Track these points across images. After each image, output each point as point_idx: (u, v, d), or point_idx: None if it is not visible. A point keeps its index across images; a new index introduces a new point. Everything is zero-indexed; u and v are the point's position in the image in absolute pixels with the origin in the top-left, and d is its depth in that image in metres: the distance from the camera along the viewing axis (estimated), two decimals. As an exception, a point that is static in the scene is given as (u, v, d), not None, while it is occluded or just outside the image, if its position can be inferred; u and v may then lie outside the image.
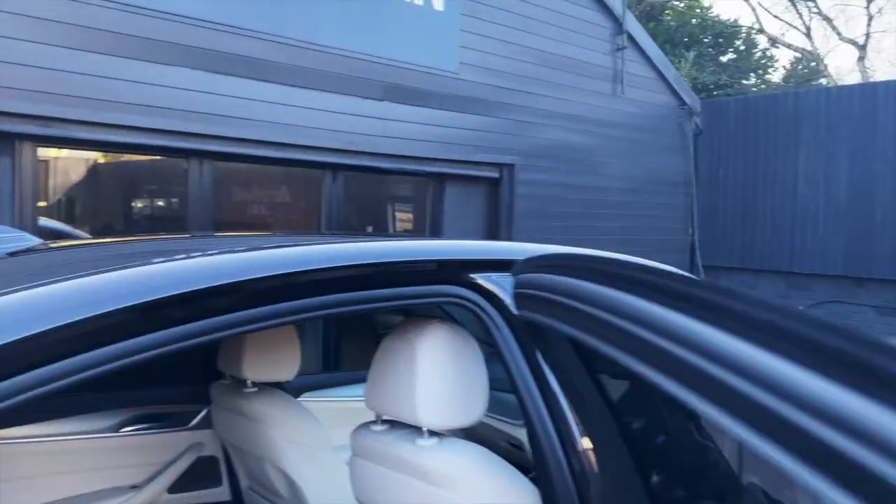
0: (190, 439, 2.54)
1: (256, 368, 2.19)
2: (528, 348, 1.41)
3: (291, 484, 2.15)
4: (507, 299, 1.43)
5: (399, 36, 5.74)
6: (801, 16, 12.07)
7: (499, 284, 1.44)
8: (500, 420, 3.01)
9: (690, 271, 9.07)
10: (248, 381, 2.22)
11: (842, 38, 12.00)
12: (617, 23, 7.69)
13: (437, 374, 1.46)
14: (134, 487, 2.42)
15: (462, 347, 1.50)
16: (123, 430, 2.44)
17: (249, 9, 4.90)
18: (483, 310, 1.42)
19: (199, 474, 2.55)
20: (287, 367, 2.24)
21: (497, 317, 1.42)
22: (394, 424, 1.62)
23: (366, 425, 1.65)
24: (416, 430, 1.54)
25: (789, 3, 12.10)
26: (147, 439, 2.47)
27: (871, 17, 12.36)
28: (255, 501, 2.45)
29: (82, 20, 4.22)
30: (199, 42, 4.67)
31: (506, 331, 1.42)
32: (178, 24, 4.57)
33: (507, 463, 1.47)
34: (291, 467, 2.11)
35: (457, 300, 1.41)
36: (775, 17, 13.60)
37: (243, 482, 2.51)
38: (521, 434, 2.94)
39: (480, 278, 1.43)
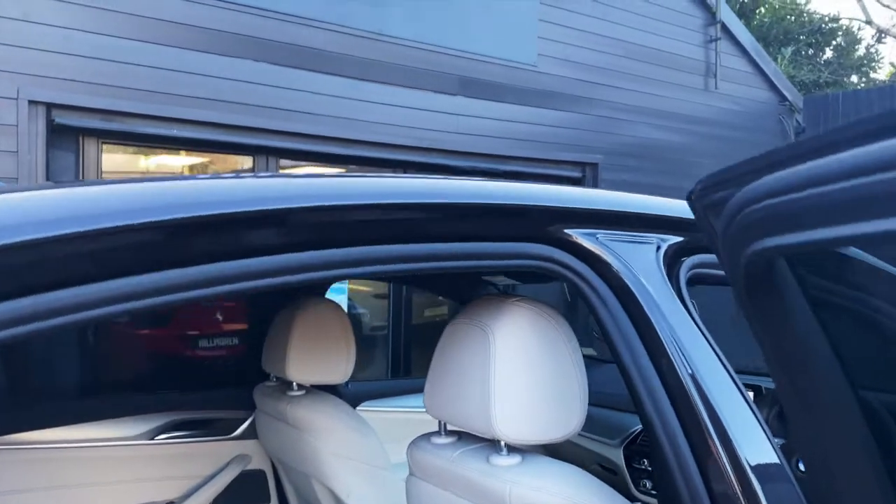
0: (234, 450, 2.24)
1: (303, 368, 1.87)
2: (652, 328, 1.00)
3: (341, 507, 1.79)
4: (619, 265, 1.03)
5: (473, 26, 5.42)
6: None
7: (607, 246, 1.05)
8: (586, 437, 2.57)
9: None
10: (294, 384, 1.89)
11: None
12: (709, 12, 7.12)
13: (521, 371, 1.07)
14: (170, 503, 2.13)
15: (554, 334, 1.12)
16: (159, 437, 2.16)
17: None
18: (583, 278, 1.03)
19: (244, 490, 2.24)
20: (339, 367, 1.90)
21: (604, 289, 1.03)
22: (462, 436, 1.25)
23: (426, 437, 1.28)
24: (490, 444, 1.16)
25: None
26: (186, 448, 2.19)
27: None
28: (304, 523, 2.11)
29: (146, 11, 4.09)
30: (263, 33, 4.48)
31: (616, 307, 1.02)
32: (242, 14, 4.40)
33: (615, 493, 1.07)
34: (340, 487, 1.75)
35: (545, 264, 1.02)
36: (885, 5, 12.21)
37: (293, 501, 2.18)
38: (615, 455, 2.49)
39: (580, 235, 1.04)
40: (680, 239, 1.14)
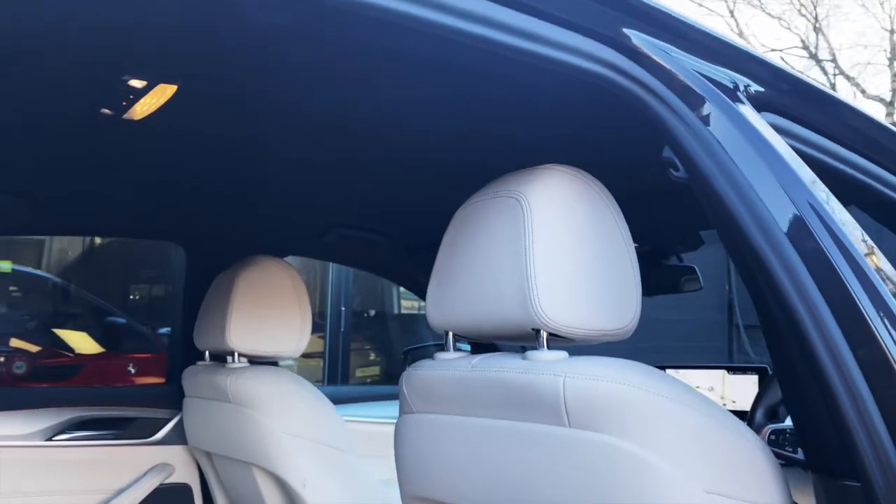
0: (153, 458, 1.84)
1: (246, 335, 1.54)
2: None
3: (294, 502, 1.43)
4: (702, 88, 0.79)
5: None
6: (825, 73, 11.71)
7: (683, 66, 0.81)
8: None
9: (729, 332, 8.34)
10: (235, 355, 1.54)
11: (867, 96, 11.62)
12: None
13: (565, 243, 0.83)
14: (67, 523, 1.71)
15: (601, 204, 0.89)
16: (58, 437, 1.75)
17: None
18: (654, 93, 0.78)
19: (162, 509, 1.83)
20: (290, 338, 1.60)
21: (684, 109, 0.78)
22: (479, 348, 0.96)
23: (425, 360, 0.99)
24: (521, 349, 0.88)
25: (811, 62, 11.73)
26: (91, 454, 1.80)
27: (895, 74, 12.04)
28: (240, 545, 1.72)
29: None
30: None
31: (700, 128, 0.77)
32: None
33: (687, 384, 0.80)
34: (293, 474, 1.40)
35: (608, 72, 0.78)
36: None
37: (225, 518, 1.78)
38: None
39: (652, 47, 0.80)
40: (760, 89, 0.92)
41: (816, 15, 12.27)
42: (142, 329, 5.24)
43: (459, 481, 0.88)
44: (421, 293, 2.30)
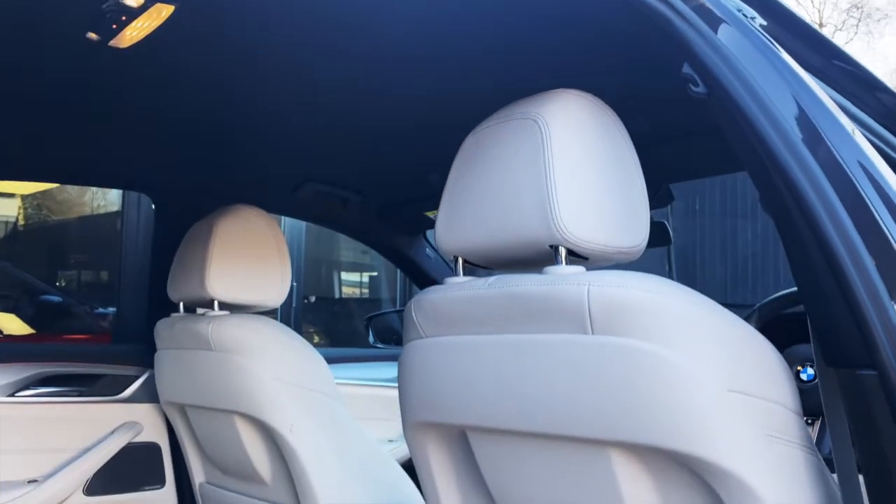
0: (120, 416, 1.79)
1: (227, 283, 1.51)
2: None
3: (280, 448, 1.41)
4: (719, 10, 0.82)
5: None
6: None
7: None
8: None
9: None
10: (215, 304, 1.51)
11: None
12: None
13: (582, 163, 0.86)
14: (32, 482, 1.65)
15: (613, 126, 0.92)
16: (20, 394, 1.68)
17: None
18: (688, 21, 0.80)
19: (130, 468, 1.80)
20: (272, 287, 1.58)
21: (706, 29, 0.81)
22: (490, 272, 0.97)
23: (431, 287, 0.99)
24: (536, 269, 0.89)
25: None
26: (56, 411, 1.74)
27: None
28: (214, 501, 1.69)
29: None
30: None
31: (718, 43, 0.80)
32: None
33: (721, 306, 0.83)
34: (281, 418, 1.39)
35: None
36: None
37: (198, 477, 1.75)
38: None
39: None
40: (764, 23, 0.95)
41: (752, 7, 12.72)
42: (79, 308, 5.01)
43: (472, 399, 0.89)
44: (392, 257, 2.29)
